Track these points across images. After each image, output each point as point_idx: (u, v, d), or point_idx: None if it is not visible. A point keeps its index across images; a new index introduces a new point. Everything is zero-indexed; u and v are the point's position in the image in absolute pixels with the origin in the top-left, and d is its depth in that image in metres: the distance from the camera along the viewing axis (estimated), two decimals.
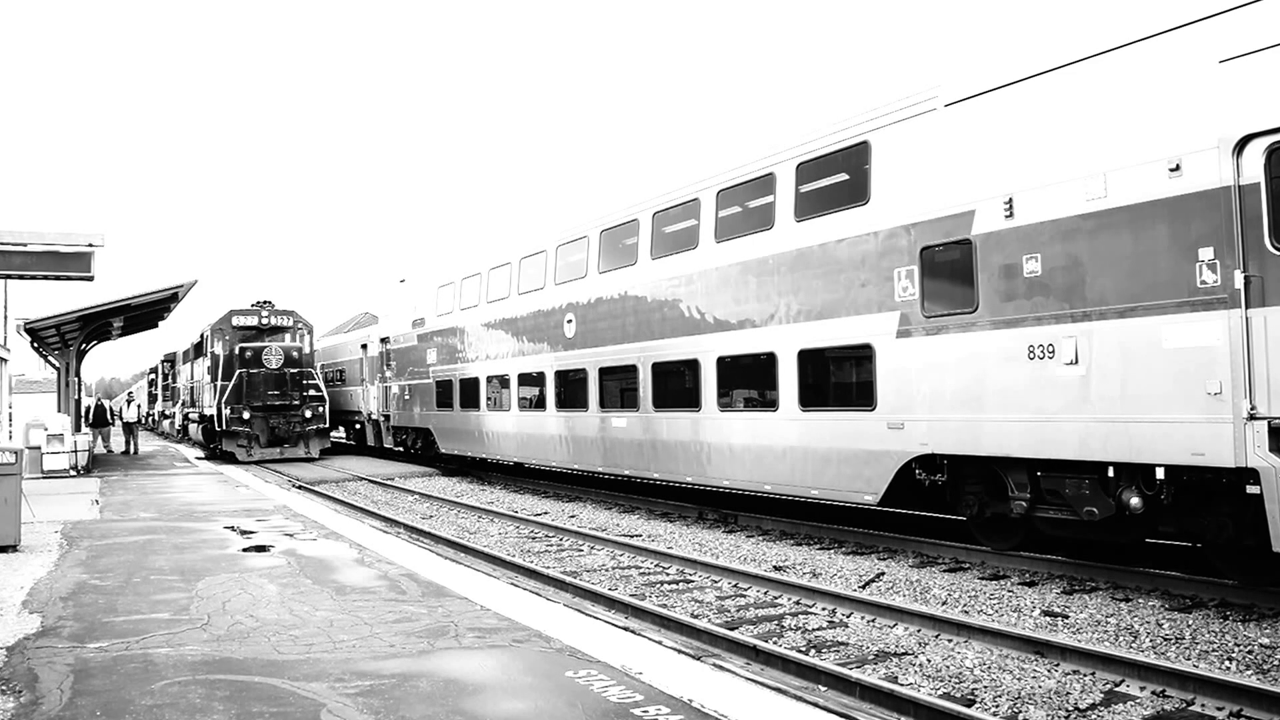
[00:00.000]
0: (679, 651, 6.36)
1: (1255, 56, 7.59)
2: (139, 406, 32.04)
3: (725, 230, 13.49)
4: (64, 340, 24.38)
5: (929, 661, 7.16)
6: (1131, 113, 8.42)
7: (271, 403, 28.61)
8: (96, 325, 23.37)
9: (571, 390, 17.48)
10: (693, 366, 14.00)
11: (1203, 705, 6.09)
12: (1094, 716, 5.99)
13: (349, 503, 18.24)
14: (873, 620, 8.42)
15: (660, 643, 6.67)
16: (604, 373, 16.41)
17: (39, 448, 20.26)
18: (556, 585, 9.98)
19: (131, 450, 30.13)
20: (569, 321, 17.45)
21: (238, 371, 28.36)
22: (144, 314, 25.06)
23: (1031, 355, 9.12)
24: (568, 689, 5.16)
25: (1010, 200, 9.33)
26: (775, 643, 7.58)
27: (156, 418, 55.51)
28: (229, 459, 27.81)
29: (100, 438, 29.77)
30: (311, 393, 29.37)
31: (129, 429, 31.42)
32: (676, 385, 14.55)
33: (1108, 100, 8.62)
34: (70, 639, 6.35)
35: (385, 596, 7.72)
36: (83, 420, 28.37)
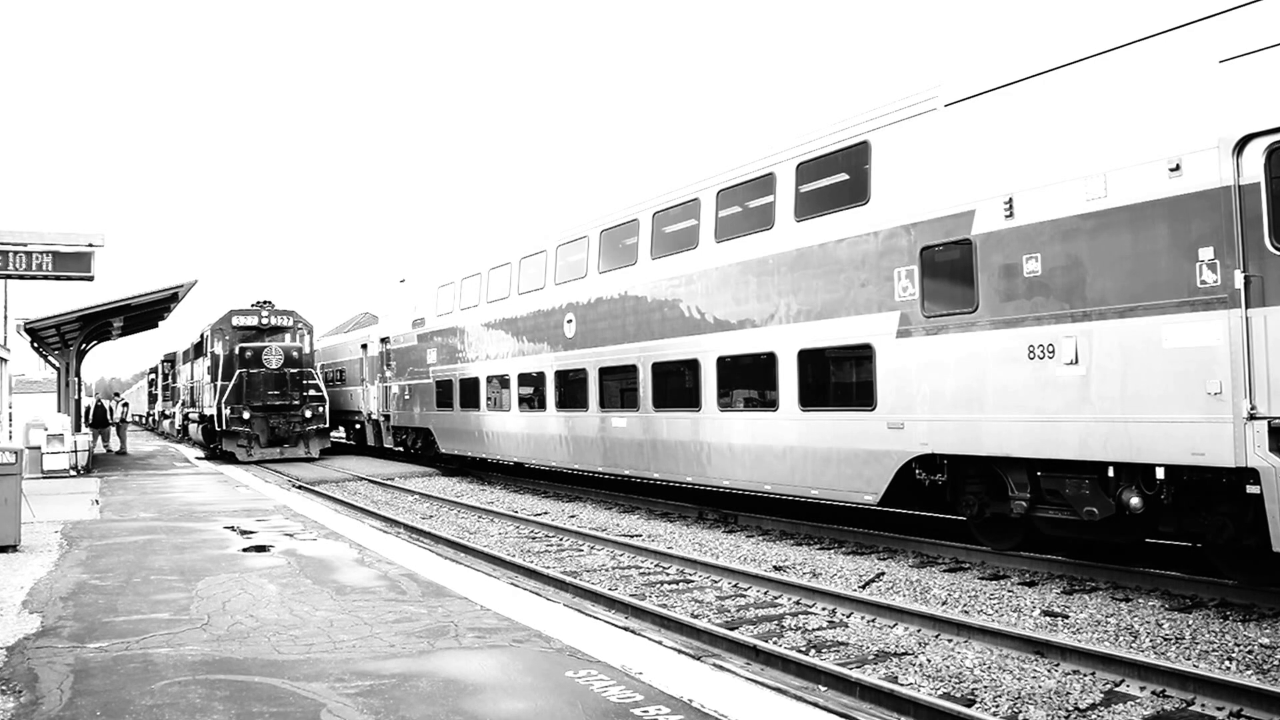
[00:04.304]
0: (679, 651, 6.36)
1: (1255, 56, 7.59)
2: (125, 406, 32.08)
3: (725, 230, 13.49)
4: (64, 340, 24.37)
5: (929, 661, 7.16)
6: (1131, 113, 8.42)
7: (271, 403, 28.60)
8: (96, 325, 23.36)
9: (571, 390, 17.47)
10: (693, 366, 13.99)
11: (1203, 705, 6.09)
12: (1094, 716, 5.99)
13: (349, 503, 18.24)
14: (873, 620, 8.42)
15: (660, 643, 6.66)
16: (604, 373, 16.41)
17: (39, 448, 20.25)
18: (556, 585, 9.98)
19: (119, 449, 30.17)
20: (569, 321, 17.45)
21: (238, 371, 28.36)
22: (144, 314, 25.06)
23: (1031, 355, 9.12)
24: (568, 689, 5.16)
25: (1010, 200, 9.33)
26: (775, 643, 7.57)
27: (156, 417, 55.50)
28: (229, 459, 27.81)
29: (100, 438, 29.76)
30: (311, 393, 29.36)
31: (118, 428, 31.43)
32: (676, 385, 14.55)
33: (1108, 100, 8.61)
34: (70, 639, 6.35)
35: (385, 596, 7.72)
36: (83, 420, 28.37)
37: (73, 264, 16.31)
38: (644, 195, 15.40)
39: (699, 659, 6.18)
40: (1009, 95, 9.49)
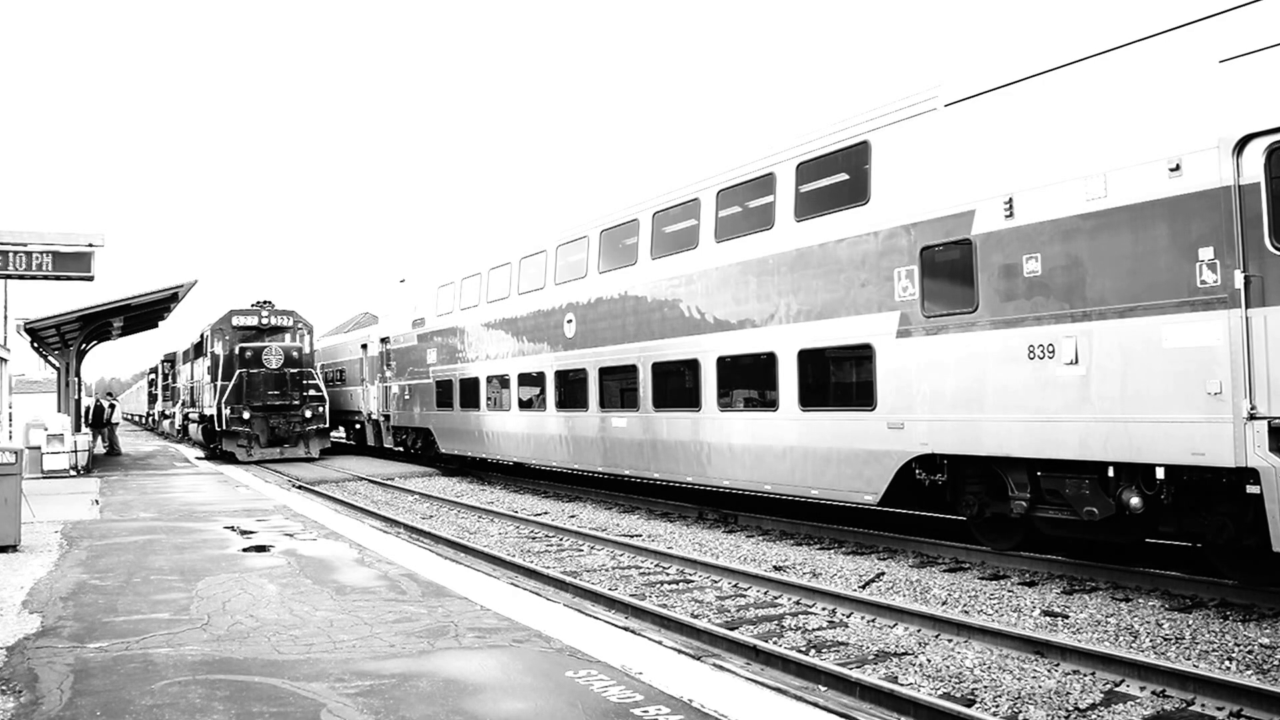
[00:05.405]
0: (679, 651, 6.36)
1: (1255, 56, 7.59)
2: (113, 407, 32.19)
3: (725, 230, 13.49)
4: (64, 340, 24.36)
5: (929, 661, 7.16)
6: (1131, 113, 8.42)
7: (271, 403, 28.59)
8: (96, 325, 23.35)
9: (571, 390, 17.47)
10: (693, 366, 13.99)
11: (1203, 705, 6.09)
12: (1094, 716, 5.99)
13: (349, 503, 18.24)
14: (873, 620, 8.41)
15: (660, 643, 6.67)
16: (604, 373, 16.41)
17: (39, 448, 20.25)
18: (556, 585, 9.98)
19: (111, 449, 30.15)
20: (569, 321, 17.45)
21: (238, 371, 28.35)
22: (144, 314, 25.05)
23: (1031, 355, 9.12)
24: (568, 689, 5.16)
25: (1010, 200, 9.33)
26: (775, 643, 7.57)
27: (156, 418, 55.48)
28: (229, 459, 27.80)
29: (100, 438, 29.75)
30: (311, 393, 29.35)
31: (109, 427, 31.39)
32: (676, 385, 14.55)
33: (1108, 100, 8.61)
34: (70, 639, 6.35)
35: (385, 596, 7.72)
36: (83, 420, 28.35)
37: (73, 264, 16.30)
38: (644, 195, 15.40)
39: (699, 659, 6.18)
40: (1009, 95, 9.49)
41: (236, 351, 28.76)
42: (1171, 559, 10.06)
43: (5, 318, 32.77)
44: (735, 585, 10.05)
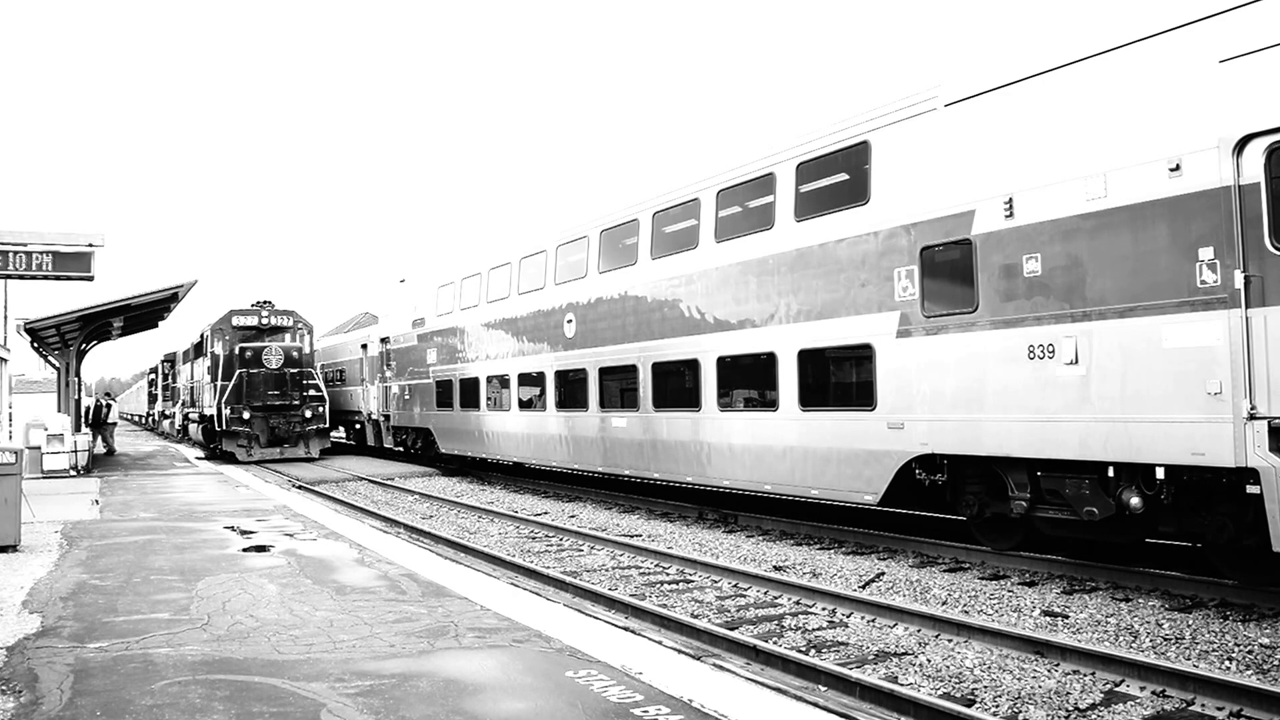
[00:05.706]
0: (679, 651, 6.36)
1: (1255, 56, 7.60)
2: (108, 407, 32.18)
3: (725, 230, 13.49)
4: (64, 340, 24.36)
5: (929, 661, 7.16)
6: (1131, 113, 8.42)
7: (271, 403, 28.60)
8: (96, 325, 23.35)
9: (571, 390, 17.47)
10: (693, 366, 13.99)
11: (1203, 705, 6.09)
12: (1094, 716, 5.99)
13: (349, 503, 18.24)
14: (873, 620, 8.42)
15: (660, 643, 6.67)
16: (604, 373, 16.41)
17: (39, 448, 20.25)
18: (556, 585, 9.98)
19: (107, 449, 30.13)
20: (569, 321, 17.45)
21: (238, 371, 28.35)
22: (144, 314, 25.05)
23: (1031, 355, 9.12)
24: (568, 689, 5.16)
25: (1010, 200, 9.33)
26: (775, 643, 7.58)
27: (156, 418, 55.48)
28: (229, 459, 27.80)
29: (100, 438, 29.74)
30: (311, 393, 29.36)
31: (106, 428, 31.33)
32: (676, 385, 14.55)
33: (1108, 100, 8.62)
34: (70, 639, 6.35)
35: (385, 596, 7.72)
36: (83, 420, 28.34)
37: (73, 264, 16.30)
38: (644, 195, 15.40)
39: (699, 659, 6.18)
40: (1009, 95, 9.49)
41: (236, 351, 28.76)
42: (1171, 559, 10.06)
43: (5, 318, 32.77)
44: (735, 585, 10.05)
